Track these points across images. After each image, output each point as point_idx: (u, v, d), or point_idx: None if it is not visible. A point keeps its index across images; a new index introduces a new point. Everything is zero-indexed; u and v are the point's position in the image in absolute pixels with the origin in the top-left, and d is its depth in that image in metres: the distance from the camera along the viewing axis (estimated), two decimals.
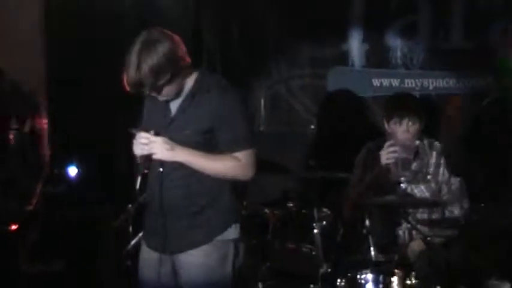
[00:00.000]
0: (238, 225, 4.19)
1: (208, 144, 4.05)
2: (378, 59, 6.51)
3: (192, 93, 4.08)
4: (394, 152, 5.19)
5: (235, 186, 4.17)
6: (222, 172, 4.06)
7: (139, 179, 4.04)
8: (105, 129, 5.89)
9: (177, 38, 4.03)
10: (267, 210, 5.55)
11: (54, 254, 5.96)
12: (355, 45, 6.53)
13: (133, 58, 3.92)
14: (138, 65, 3.90)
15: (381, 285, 4.90)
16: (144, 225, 4.32)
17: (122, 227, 5.04)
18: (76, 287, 6.02)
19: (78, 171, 6.17)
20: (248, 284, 5.41)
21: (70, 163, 6.17)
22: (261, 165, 5.96)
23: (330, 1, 6.54)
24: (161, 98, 4.07)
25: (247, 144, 4.07)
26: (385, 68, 6.47)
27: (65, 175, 6.15)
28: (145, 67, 3.89)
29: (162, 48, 3.93)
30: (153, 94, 4.03)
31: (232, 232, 4.16)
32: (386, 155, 5.22)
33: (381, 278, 4.89)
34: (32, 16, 6.57)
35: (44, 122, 5.08)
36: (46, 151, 5.07)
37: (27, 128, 4.98)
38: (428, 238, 5.03)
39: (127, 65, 3.93)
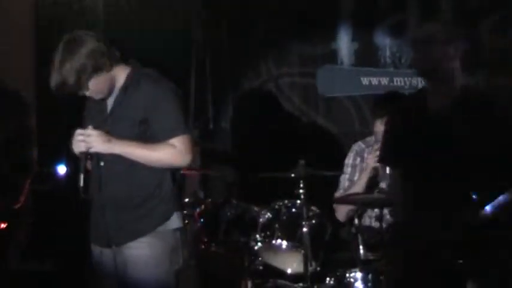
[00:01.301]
0: (180, 213, 4.25)
1: (145, 135, 4.13)
2: (367, 57, 6.52)
3: (125, 88, 4.19)
4: None
5: (175, 175, 4.24)
6: (160, 160, 4.13)
7: (81, 177, 4.11)
8: None
9: (99, 38, 4.13)
10: (256, 209, 5.56)
11: (44, 253, 6.00)
12: (344, 43, 6.55)
13: (56, 60, 4.04)
14: (60, 66, 4.02)
15: (369, 284, 4.93)
16: (90, 221, 4.37)
17: None
18: (66, 285, 6.02)
19: (67, 169, 6.18)
20: (237, 283, 5.43)
21: (59, 162, 6.18)
22: (250, 163, 6.03)
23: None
24: (94, 96, 4.17)
25: (181, 130, 4.14)
26: (374, 66, 6.48)
27: (54, 174, 6.18)
28: (67, 67, 4.00)
29: (83, 48, 4.04)
30: (80, 92, 4.11)
31: (175, 221, 4.21)
32: (375, 158, 5.24)
33: (369, 276, 4.93)
34: (21, 15, 6.59)
35: (30, 121, 5.08)
36: (34, 149, 5.06)
37: (13, 127, 4.97)
38: None
39: (51, 69, 4.05)
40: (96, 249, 4.31)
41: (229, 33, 6.80)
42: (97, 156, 4.17)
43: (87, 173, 4.15)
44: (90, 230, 4.37)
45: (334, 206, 5.55)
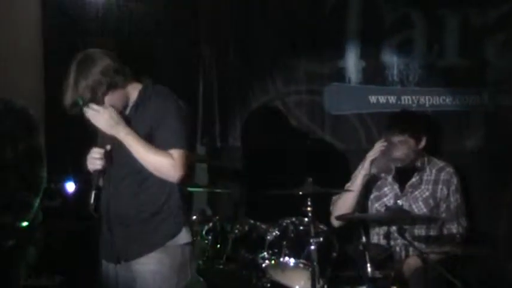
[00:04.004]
0: (188, 229, 4.28)
1: None
2: (374, 75, 6.50)
3: (137, 104, 4.26)
4: (382, 146, 5.42)
5: (183, 191, 4.28)
6: (153, 163, 4.14)
7: (93, 194, 4.17)
8: None
9: (112, 54, 4.22)
10: (263, 226, 5.57)
11: (53, 268, 5.95)
12: (352, 61, 6.53)
13: (70, 79, 4.13)
14: (75, 84, 4.10)
15: None
16: (100, 237, 4.41)
17: None
18: None
19: (76, 186, 6.17)
20: None
21: (68, 178, 6.17)
22: (258, 181, 6.03)
23: (326, 18, 6.56)
24: None
25: (181, 144, 4.17)
26: (382, 84, 6.47)
27: (63, 190, 6.15)
28: (83, 85, 4.09)
29: (97, 66, 4.13)
30: (95, 107, 4.14)
31: (184, 237, 4.24)
32: (375, 150, 5.47)
33: None
34: (29, 32, 6.60)
35: (40, 139, 5.08)
36: (43, 167, 5.07)
37: (22, 146, 4.98)
38: (425, 255, 5.04)
39: (64, 88, 4.14)
40: (105, 264, 4.34)
41: (237, 51, 6.78)
42: (107, 174, 4.21)
43: (99, 191, 4.19)
44: (99, 246, 4.40)
45: (331, 209, 5.65)
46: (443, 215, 5.53)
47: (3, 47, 6.24)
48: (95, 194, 4.17)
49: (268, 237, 5.43)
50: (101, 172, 4.21)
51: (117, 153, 4.23)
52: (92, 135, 4.40)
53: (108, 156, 4.22)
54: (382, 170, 5.60)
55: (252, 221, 5.69)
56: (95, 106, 4.12)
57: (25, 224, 4.95)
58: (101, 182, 4.25)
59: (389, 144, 5.50)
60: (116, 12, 6.67)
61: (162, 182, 4.17)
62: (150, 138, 4.16)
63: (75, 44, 6.30)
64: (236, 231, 5.63)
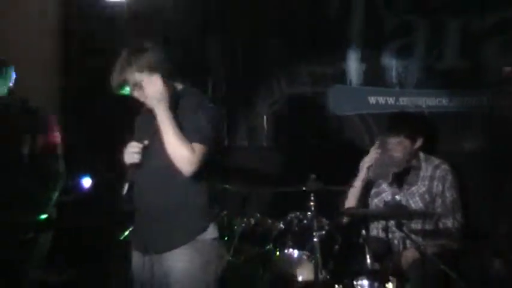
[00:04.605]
0: (216, 224, 4.33)
1: None
2: (374, 77, 6.58)
3: (170, 104, 4.29)
4: (376, 153, 5.54)
5: (210, 188, 4.34)
6: (176, 151, 4.16)
7: (126, 186, 4.24)
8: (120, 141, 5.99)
9: (160, 51, 4.35)
10: (269, 220, 5.69)
11: (67, 263, 6.06)
12: (353, 64, 6.62)
13: (118, 64, 4.27)
14: (121, 70, 4.24)
15: None
16: (133, 227, 4.52)
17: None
18: None
19: (92, 182, 6.25)
20: None
21: (84, 174, 6.25)
22: (265, 179, 6.14)
23: (329, 22, 6.69)
24: (146, 101, 4.32)
25: (203, 139, 4.20)
26: (381, 86, 6.56)
27: (79, 186, 6.22)
28: (126, 72, 4.23)
29: (145, 57, 4.25)
30: (136, 93, 4.30)
31: (212, 232, 4.29)
32: (370, 157, 5.58)
33: (376, 284, 5.06)
34: (47, 31, 6.68)
35: (56, 136, 5.15)
36: (60, 164, 5.14)
37: (38, 144, 5.08)
38: (422, 247, 5.15)
39: (113, 69, 4.27)
40: (136, 255, 4.39)
41: (243, 53, 6.87)
42: (142, 168, 4.28)
43: (132, 183, 4.26)
44: (131, 237, 4.53)
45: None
46: (439, 209, 5.58)
47: (21, 46, 6.28)
48: (129, 186, 4.23)
49: (274, 231, 5.57)
50: (137, 165, 4.28)
51: (150, 147, 4.29)
52: (106, 133, 4.52)
53: (145, 151, 4.29)
54: (379, 176, 5.69)
55: (258, 215, 5.78)
56: (154, 75, 4.23)
57: (43, 217, 5.10)
58: (134, 176, 4.30)
59: (384, 149, 5.60)
60: (133, 16, 6.78)
61: (191, 177, 4.22)
62: None
63: (92, 45, 6.50)
64: (243, 225, 5.69)
